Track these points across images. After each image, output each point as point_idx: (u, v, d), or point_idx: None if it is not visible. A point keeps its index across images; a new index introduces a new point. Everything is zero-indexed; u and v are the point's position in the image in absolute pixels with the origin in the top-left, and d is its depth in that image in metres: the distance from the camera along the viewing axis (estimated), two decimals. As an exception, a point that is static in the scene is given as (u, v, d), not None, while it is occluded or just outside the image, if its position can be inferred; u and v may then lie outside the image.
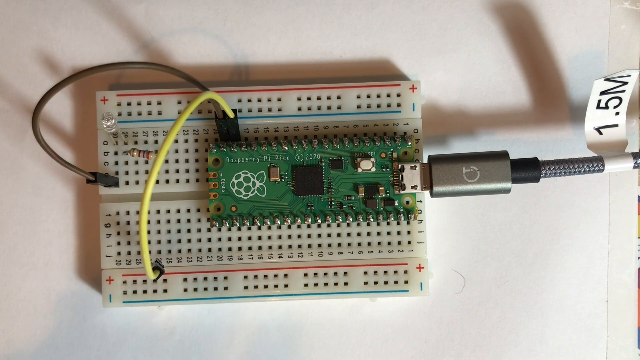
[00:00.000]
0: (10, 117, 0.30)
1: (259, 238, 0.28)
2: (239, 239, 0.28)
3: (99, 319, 0.29)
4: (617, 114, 0.28)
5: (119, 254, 0.28)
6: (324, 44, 0.30)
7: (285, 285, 0.28)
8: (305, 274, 0.28)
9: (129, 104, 0.28)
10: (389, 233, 0.28)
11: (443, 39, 0.30)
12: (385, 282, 0.28)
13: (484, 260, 0.30)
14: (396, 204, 0.27)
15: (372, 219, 0.28)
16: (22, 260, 0.29)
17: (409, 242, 0.28)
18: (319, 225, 0.28)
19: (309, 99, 0.29)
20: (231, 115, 0.26)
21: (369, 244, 0.28)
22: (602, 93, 0.27)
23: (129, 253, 0.28)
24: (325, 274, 0.28)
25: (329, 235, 0.28)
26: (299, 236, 0.28)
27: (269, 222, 0.27)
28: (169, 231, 0.28)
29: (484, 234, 0.30)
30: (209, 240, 0.28)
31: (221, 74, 0.30)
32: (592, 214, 0.30)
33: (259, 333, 0.29)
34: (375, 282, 0.28)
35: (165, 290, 0.28)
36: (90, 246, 0.29)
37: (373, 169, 0.27)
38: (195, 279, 0.28)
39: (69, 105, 0.30)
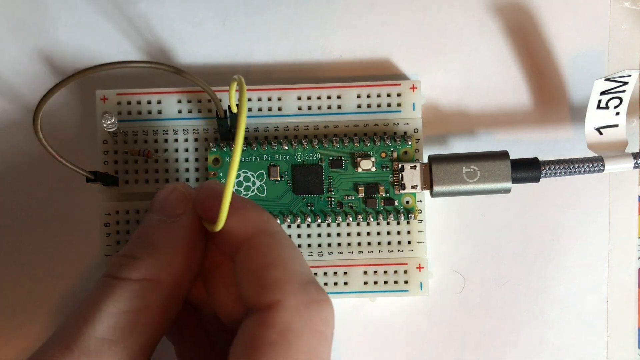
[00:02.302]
0: (10, 117, 0.30)
1: (259, 237, 0.28)
2: (239, 238, 0.28)
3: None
4: (617, 114, 0.28)
5: (118, 253, 0.28)
6: (324, 44, 0.30)
7: (285, 285, 0.28)
8: (305, 274, 0.28)
9: (128, 102, 0.28)
10: (388, 233, 0.28)
11: (443, 39, 0.30)
12: (385, 282, 0.28)
13: (484, 260, 0.30)
14: (396, 203, 0.27)
15: (372, 219, 0.28)
16: (21, 259, 0.29)
17: (409, 242, 0.28)
18: (318, 225, 0.28)
19: (309, 98, 0.29)
20: (235, 109, 0.26)
21: (368, 243, 0.28)
22: (603, 93, 0.27)
23: (128, 252, 0.28)
24: (325, 273, 0.28)
25: (328, 235, 0.28)
26: (299, 236, 0.28)
27: (268, 222, 0.27)
28: (168, 231, 0.28)
29: (484, 234, 0.30)
30: (209, 239, 0.28)
31: (221, 74, 0.30)
32: (592, 214, 0.30)
33: (259, 333, 0.29)
34: (375, 282, 0.28)
35: (164, 290, 0.28)
36: (90, 246, 0.29)
37: (373, 169, 0.27)
38: (195, 278, 0.28)
39: (68, 104, 0.30)
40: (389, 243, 0.28)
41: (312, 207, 0.27)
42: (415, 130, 0.28)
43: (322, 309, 0.20)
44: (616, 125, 0.28)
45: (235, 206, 0.21)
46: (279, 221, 0.27)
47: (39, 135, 0.24)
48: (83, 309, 0.20)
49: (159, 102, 0.29)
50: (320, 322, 0.20)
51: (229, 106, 0.26)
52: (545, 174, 0.27)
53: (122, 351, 0.19)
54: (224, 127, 0.27)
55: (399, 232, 0.28)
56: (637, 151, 0.28)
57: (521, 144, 0.30)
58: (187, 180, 0.28)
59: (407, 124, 0.28)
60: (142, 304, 0.20)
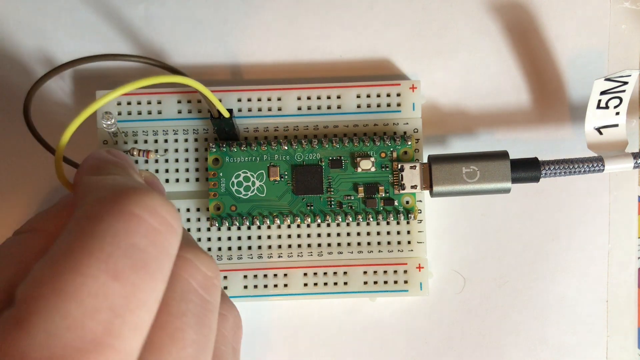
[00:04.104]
0: (10, 117, 0.30)
1: (259, 237, 0.28)
2: (239, 238, 0.28)
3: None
4: (617, 114, 0.28)
5: (118, 253, 0.28)
6: (324, 44, 0.30)
7: (285, 285, 0.28)
8: (305, 274, 0.28)
9: (128, 103, 0.28)
10: (388, 233, 0.28)
11: (443, 39, 0.30)
12: (385, 282, 0.28)
13: (484, 260, 0.30)
14: (396, 203, 0.27)
15: (371, 219, 0.28)
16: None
17: (409, 242, 0.28)
18: (318, 225, 0.28)
19: (308, 98, 0.29)
20: (226, 114, 0.26)
21: (368, 243, 0.28)
22: (602, 93, 0.27)
23: (128, 253, 0.28)
24: (325, 273, 0.28)
25: (328, 235, 0.28)
26: (299, 236, 0.28)
27: (268, 222, 0.27)
28: (168, 231, 0.28)
29: (484, 234, 0.30)
30: (209, 239, 0.28)
31: (221, 74, 0.30)
32: (592, 214, 0.30)
33: (259, 333, 0.29)
34: (375, 282, 0.28)
35: (164, 290, 0.28)
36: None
37: (373, 169, 0.27)
38: (194, 278, 0.28)
39: (68, 105, 0.30)
40: (388, 243, 0.28)
41: (312, 207, 0.27)
42: (415, 130, 0.28)
43: (139, 194, 0.18)
44: (616, 125, 0.28)
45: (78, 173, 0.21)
46: (279, 222, 0.27)
47: (36, 135, 0.24)
48: None
49: (159, 103, 0.29)
50: (135, 205, 0.17)
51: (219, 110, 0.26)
52: (545, 174, 0.27)
53: None
54: (220, 127, 0.27)
55: (398, 232, 0.28)
56: (637, 151, 0.28)
57: (521, 144, 0.30)
58: (187, 180, 0.28)
59: (407, 124, 0.28)
60: (17, 249, 0.20)
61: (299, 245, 0.28)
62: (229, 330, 0.23)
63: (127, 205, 0.17)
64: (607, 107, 0.28)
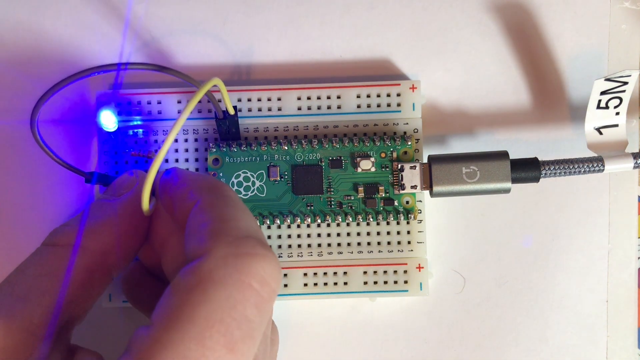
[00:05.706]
0: (10, 117, 0.30)
1: (259, 238, 0.28)
2: (239, 238, 0.28)
3: (98, 318, 0.29)
4: (617, 114, 0.28)
5: (118, 253, 0.28)
6: (324, 44, 0.30)
7: (285, 285, 0.28)
8: (305, 274, 0.28)
9: (128, 103, 0.28)
10: (388, 233, 0.28)
11: (443, 39, 0.30)
12: (385, 282, 0.28)
13: (484, 260, 0.30)
14: (396, 203, 0.27)
15: (371, 219, 0.28)
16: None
17: (409, 242, 0.28)
18: (318, 225, 0.28)
19: (308, 98, 0.29)
20: (232, 111, 0.26)
21: (368, 243, 0.28)
22: (603, 93, 0.27)
23: (128, 253, 0.28)
24: (325, 273, 0.28)
25: (328, 235, 0.28)
26: (299, 236, 0.28)
27: (268, 222, 0.27)
28: (168, 231, 0.28)
29: (484, 234, 0.30)
30: (209, 239, 0.28)
31: (221, 74, 0.30)
32: (592, 214, 0.30)
33: (259, 333, 0.29)
34: (375, 282, 0.28)
35: (164, 290, 0.28)
36: (90, 246, 0.29)
37: (373, 169, 0.27)
38: (194, 278, 0.28)
39: (68, 105, 0.30)
40: (388, 243, 0.28)
41: (312, 207, 0.27)
42: (415, 130, 0.28)
43: (255, 262, 0.19)
44: (616, 125, 0.28)
45: (186, 178, 0.22)
46: (279, 222, 0.27)
47: (37, 137, 0.24)
48: (10, 273, 0.21)
49: (159, 103, 0.29)
50: (249, 275, 0.19)
51: (224, 110, 0.26)
52: (545, 174, 0.27)
53: (35, 309, 0.20)
54: (223, 127, 0.27)
55: (398, 232, 0.28)
56: (637, 151, 0.28)
57: (521, 144, 0.30)
58: (187, 180, 0.28)
59: (407, 124, 0.28)
60: (62, 266, 0.21)
61: (299, 245, 0.28)
62: (274, 352, 0.25)
63: (247, 276, 0.19)
64: (607, 107, 0.28)
